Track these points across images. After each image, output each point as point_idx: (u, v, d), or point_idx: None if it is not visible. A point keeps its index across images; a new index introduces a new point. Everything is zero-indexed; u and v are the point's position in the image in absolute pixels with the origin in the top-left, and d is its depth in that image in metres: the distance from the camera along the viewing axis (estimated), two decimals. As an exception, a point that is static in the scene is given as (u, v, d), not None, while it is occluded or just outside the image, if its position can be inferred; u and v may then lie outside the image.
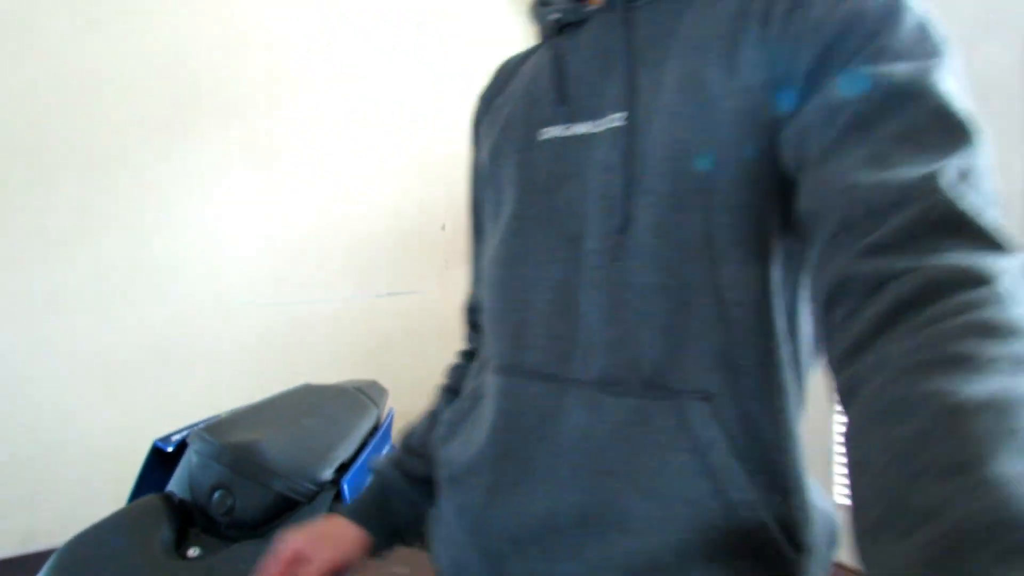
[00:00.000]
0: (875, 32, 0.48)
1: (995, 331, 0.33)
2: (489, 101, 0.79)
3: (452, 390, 0.83)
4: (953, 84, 0.46)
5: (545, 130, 0.66)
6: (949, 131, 0.43)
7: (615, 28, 0.63)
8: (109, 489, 2.19)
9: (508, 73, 0.79)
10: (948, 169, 0.41)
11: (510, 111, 0.72)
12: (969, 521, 0.26)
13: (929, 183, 0.40)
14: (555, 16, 0.69)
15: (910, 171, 0.41)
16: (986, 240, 0.38)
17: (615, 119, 0.60)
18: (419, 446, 0.81)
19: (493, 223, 0.71)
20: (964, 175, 0.41)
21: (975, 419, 0.29)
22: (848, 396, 0.38)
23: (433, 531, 0.74)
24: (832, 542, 0.61)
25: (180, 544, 1.17)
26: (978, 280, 0.36)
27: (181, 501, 1.26)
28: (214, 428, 1.30)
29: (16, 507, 2.37)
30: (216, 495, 1.23)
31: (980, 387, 0.31)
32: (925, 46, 0.47)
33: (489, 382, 0.69)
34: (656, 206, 0.56)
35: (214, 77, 2.70)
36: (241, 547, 1.16)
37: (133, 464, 1.44)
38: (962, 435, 0.29)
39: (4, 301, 2.37)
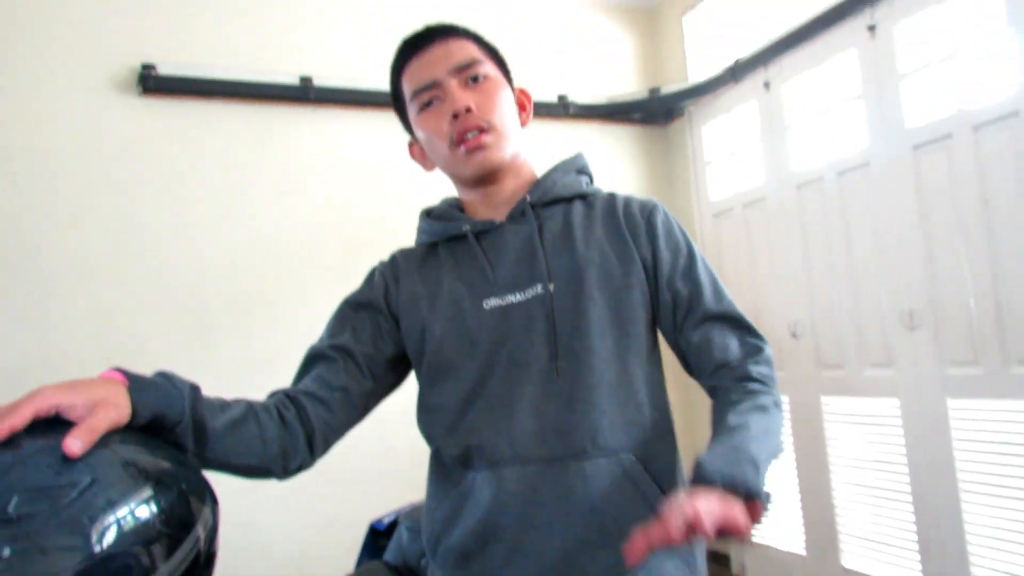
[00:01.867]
0: (690, 256, 1.03)
1: (752, 395, 0.92)
2: (396, 280, 1.08)
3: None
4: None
5: (487, 300, 0.99)
6: (743, 325, 1.01)
7: (528, 229, 1.02)
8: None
9: (407, 263, 1.09)
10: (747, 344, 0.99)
11: (449, 289, 1.02)
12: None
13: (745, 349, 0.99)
14: (466, 227, 1.03)
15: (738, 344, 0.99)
16: (761, 365, 0.96)
17: (536, 288, 0.98)
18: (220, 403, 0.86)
19: (427, 359, 1.01)
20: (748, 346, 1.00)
21: (744, 417, 0.86)
22: (713, 396, 0.97)
23: None
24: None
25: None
26: (758, 379, 0.94)
27: (396, 567, 1.66)
28: (417, 510, 1.71)
29: None
30: (423, 562, 1.62)
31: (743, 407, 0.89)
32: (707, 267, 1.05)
33: (477, 476, 0.95)
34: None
35: (372, 230, 3.28)
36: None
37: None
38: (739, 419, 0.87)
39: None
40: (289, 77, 3.18)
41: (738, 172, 3.48)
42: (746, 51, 3.28)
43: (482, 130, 1.00)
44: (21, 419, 0.62)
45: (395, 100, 1.11)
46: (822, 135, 3.00)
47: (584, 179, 1.11)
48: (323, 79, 3.22)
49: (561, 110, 3.50)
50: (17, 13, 2.83)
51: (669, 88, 3.68)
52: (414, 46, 1.05)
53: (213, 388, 0.88)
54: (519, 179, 1.08)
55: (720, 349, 0.97)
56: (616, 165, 3.76)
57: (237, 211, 3.06)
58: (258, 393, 0.97)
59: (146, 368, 0.82)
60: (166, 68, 2.97)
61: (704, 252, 3.63)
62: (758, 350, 0.97)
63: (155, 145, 2.97)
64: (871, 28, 2.71)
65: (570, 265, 0.99)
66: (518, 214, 1.04)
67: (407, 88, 1.05)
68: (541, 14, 3.70)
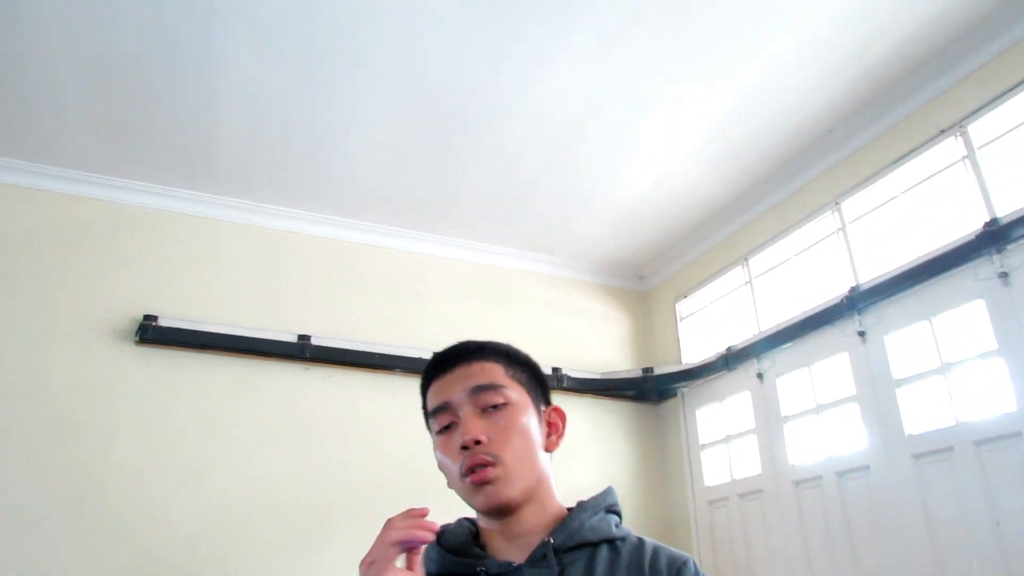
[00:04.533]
0: None
1: None
2: None
3: None
4: None
5: None
6: None
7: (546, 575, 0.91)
8: None
9: None
10: None
11: None
12: None
13: None
14: (481, 569, 0.93)
15: None
16: None
17: None
18: None
19: None
20: None
21: None
22: None
23: None
24: None
25: None
26: None
27: None
28: None
29: None
30: None
31: None
32: None
33: None
34: None
35: (347, 494, 3.10)
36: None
37: None
38: None
39: None
40: (287, 335, 3.20)
41: (734, 460, 3.38)
42: (739, 340, 3.34)
43: (487, 464, 0.93)
44: None
45: (424, 411, 1.07)
46: (819, 432, 2.94)
47: (613, 520, 1.01)
48: (320, 338, 3.24)
49: (555, 382, 3.49)
50: (35, 257, 2.94)
51: (662, 369, 3.72)
52: (439, 364, 1.03)
53: None
54: (542, 513, 0.98)
55: None
56: (609, 439, 3.68)
57: (210, 465, 2.92)
58: None
59: None
60: (167, 320, 3.00)
61: (697, 541, 3.45)
62: None
63: (139, 394, 2.92)
64: (861, 334, 2.77)
65: None
66: (539, 557, 0.94)
67: (429, 405, 1.03)
68: (538, 288, 3.85)
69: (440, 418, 0.99)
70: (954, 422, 2.42)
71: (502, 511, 0.95)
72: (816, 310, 2.96)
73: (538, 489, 0.98)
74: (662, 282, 4.03)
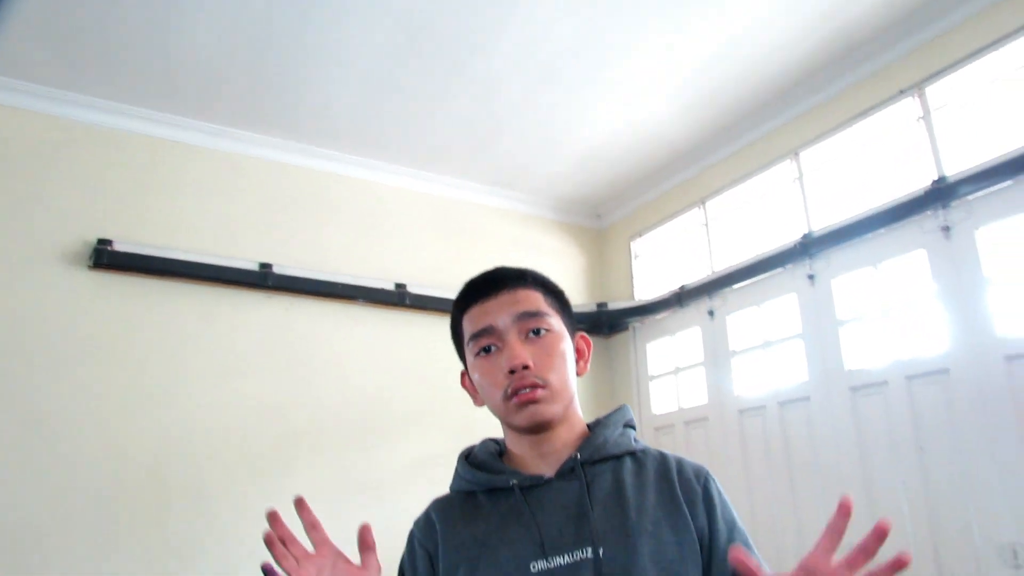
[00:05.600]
0: (740, 532, 0.99)
1: None
2: (436, 545, 1.02)
3: None
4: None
5: (534, 563, 0.93)
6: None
7: (578, 487, 0.98)
8: None
9: (445, 521, 1.03)
10: None
11: (493, 550, 0.96)
12: None
13: None
14: (514, 482, 1.00)
15: None
16: None
17: (585, 552, 0.92)
18: None
19: None
20: None
21: None
22: None
23: None
24: None
25: None
26: None
27: None
28: None
29: None
30: None
31: None
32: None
33: None
34: None
35: (311, 422, 3.16)
36: None
37: None
38: None
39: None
40: (248, 263, 3.16)
41: (682, 390, 3.60)
42: (692, 279, 3.52)
43: (536, 386, 1.00)
44: None
45: (454, 333, 1.11)
46: (765, 366, 3.18)
47: (632, 434, 1.10)
48: (282, 267, 3.22)
49: (513, 315, 3.59)
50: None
51: (616, 304, 3.87)
52: (480, 291, 1.06)
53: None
54: (571, 431, 1.06)
55: None
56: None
57: (171, 394, 2.90)
58: None
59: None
60: (122, 245, 2.91)
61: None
62: None
63: (94, 321, 2.84)
64: (810, 277, 2.98)
65: (621, 530, 0.96)
66: (567, 471, 1.02)
67: (467, 328, 1.06)
68: (499, 224, 3.91)
69: (481, 341, 1.03)
70: (890, 359, 2.67)
71: (541, 428, 1.02)
72: (769, 253, 3.15)
73: (570, 409, 1.06)
74: (618, 221, 4.16)
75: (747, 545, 0.99)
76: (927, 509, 2.47)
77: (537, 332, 1.03)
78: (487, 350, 1.03)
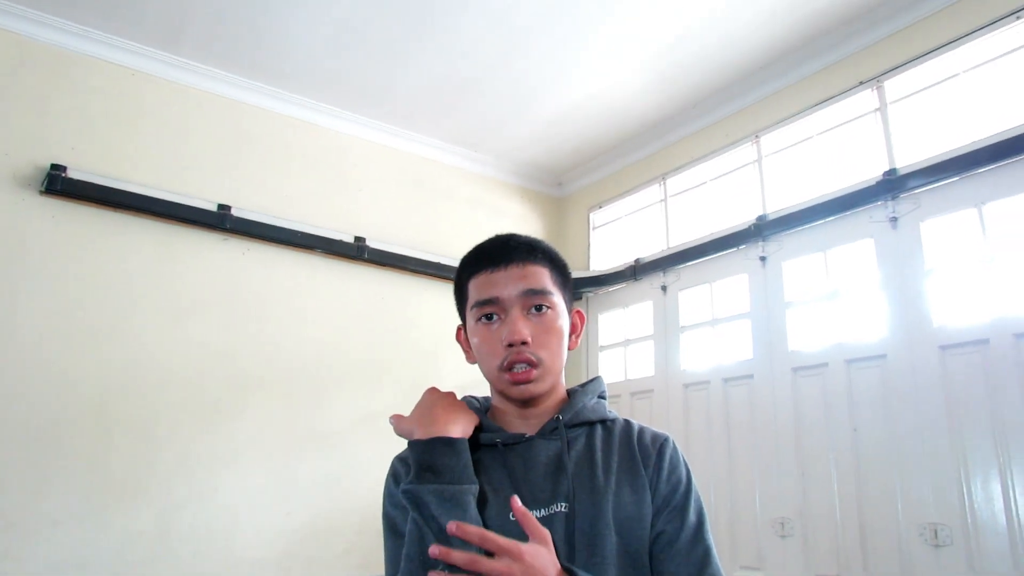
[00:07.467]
0: (686, 495, 1.05)
1: None
2: None
3: None
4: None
5: (511, 515, 0.95)
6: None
7: (558, 446, 1.05)
8: None
9: None
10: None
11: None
12: None
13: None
14: (498, 440, 1.06)
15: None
16: None
17: (560, 507, 1.00)
18: None
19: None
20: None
21: None
22: None
23: None
24: None
25: None
26: None
27: None
28: None
29: None
30: None
31: None
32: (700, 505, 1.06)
33: None
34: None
35: (262, 369, 3.14)
36: None
37: None
38: None
39: (36, 565, 2.54)
40: (206, 203, 3.10)
41: (630, 362, 3.69)
42: (648, 253, 3.59)
43: (532, 364, 1.04)
44: None
45: (457, 290, 1.14)
46: (712, 343, 3.28)
47: (605, 404, 1.17)
48: (241, 211, 3.17)
49: (470, 277, 3.61)
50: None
51: (572, 274, 3.92)
52: (491, 258, 1.08)
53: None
54: (554, 397, 1.12)
55: None
56: (513, 336, 3.87)
57: (121, 329, 2.85)
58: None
59: None
60: (76, 173, 2.82)
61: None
62: None
63: (43, 248, 2.76)
64: (762, 259, 3.08)
65: (591, 488, 1.03)
66: (549, 431, 1.08)
67: (472, 293, 1.09)
68: (461, 184, 3.91)
69: (485, 309, 1.06)
70: (832, 342, 2.79)
71: (531, 402, 1.09)
72: (724, 233, 3.23)
73: (558, 381, 1.12)
74: (579, 190, 4.20)
75: (684, 509, 1.05)
76: (856, 486, 2.61)
77: (539, 308, 1.06)
78: (489, 317, 1.06)
